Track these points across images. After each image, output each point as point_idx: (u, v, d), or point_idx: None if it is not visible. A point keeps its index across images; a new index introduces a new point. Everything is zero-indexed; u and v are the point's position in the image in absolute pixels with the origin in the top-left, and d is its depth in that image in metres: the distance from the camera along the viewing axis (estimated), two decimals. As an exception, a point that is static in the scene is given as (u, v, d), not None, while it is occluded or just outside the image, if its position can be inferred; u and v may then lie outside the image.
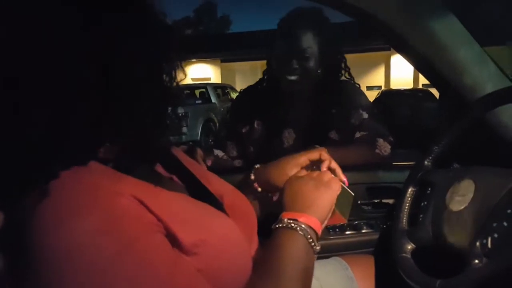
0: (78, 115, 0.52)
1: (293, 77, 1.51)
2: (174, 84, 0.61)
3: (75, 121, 0.52)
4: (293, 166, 0.88)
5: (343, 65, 1.65)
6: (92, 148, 0.55)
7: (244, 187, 0.92)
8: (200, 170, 0.82)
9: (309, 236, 0.70)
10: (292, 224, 0.70)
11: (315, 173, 0.82)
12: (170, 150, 0.78)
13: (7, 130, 0.51)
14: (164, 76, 0.60)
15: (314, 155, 0.89)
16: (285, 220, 0.71)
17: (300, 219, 0.71)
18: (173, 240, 0.54)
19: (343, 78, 1.67)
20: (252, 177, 0.93)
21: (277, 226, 0.72)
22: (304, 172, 0.84)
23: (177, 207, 0.59)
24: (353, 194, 0.89)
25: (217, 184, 0.81)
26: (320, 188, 0.76)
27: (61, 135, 0.51)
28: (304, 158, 0.89)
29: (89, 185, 0.51)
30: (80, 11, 0.51)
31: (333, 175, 0.82)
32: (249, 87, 1.78)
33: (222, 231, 0.64)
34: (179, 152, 0.82)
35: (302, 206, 0.74)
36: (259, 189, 0.92)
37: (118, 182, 0.53)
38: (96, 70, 0.52)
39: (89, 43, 0.52)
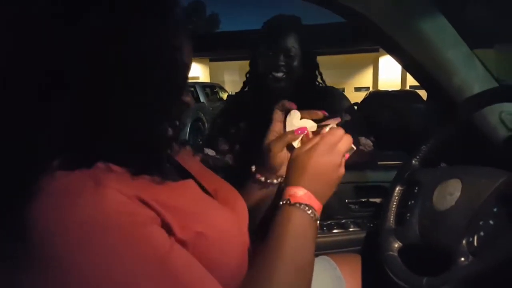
0: (79, 114, 0.51)
1: (279, 74, 1.58)
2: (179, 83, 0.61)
3: (76, 120, 0.51)
4: (272, 137, 0.89)
5: (317, 71, 1.74)
6: (94, 146, 0.53)
7: (250, 182, 0.93)
8: (194, 164, 0.82)
9: (316, 218, 0.69)
10: (307, 209, 0.69)
11: (321, 140, 0.75)
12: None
13: (6, 129, 0.50)
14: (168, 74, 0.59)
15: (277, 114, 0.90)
16: (301, 203, 0.69)
17: (314, 206, 0.69)
18: (168, 231, 0.54)
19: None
20: (253, 169, 0.93)
21: (285, 202, 0.70)
22: (310, 144, 0.76)
23: (178, 200, 0.59)
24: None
25: (211, 179, 0.80)
26: (327, 156, 0.72)
27: (62, 134, 0.51)
28: (276, 124, 0.90)
29: (87, 183, 0.49)
30: (82, 11, 0.51)
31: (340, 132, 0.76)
32: (238, 92, 1.85)
33: (220, 225, 0.63)
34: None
35: (311, 182, 0.71)
36: (262, 179, 0.92)
37: (120, 181, 0.52)
38: (97, 70, 0.51)
39: (89, 42, 0.51)
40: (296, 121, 0.86)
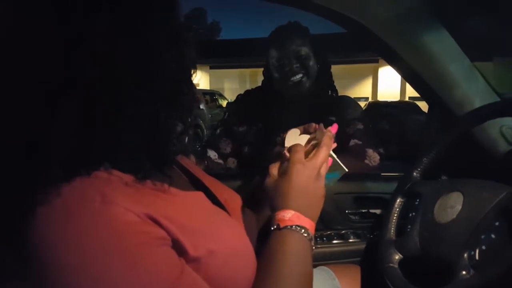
0: (85, 118, 0.50)
1: (297, 77, 1.58)
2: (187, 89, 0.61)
3: (82, 124, 0.50)
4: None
5: (330, 72, 1.74)
6: (100, 155, 0.52)
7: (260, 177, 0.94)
8: (204, 175, 0.82)
9: (310, 237, 0.70)
10: (299, 229, 0.69)
11: (307, 162, 0.75)
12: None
13: (5, 135, 0.49)
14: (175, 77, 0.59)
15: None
16: (291, 225, 0.69)
17: (306, 225, 0.70)
18: (180, 250, 0.53)
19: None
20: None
21: (275, 227, 0.70)
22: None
23: (189, 216, 0.57)
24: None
25: (220, 188, 0.80)
26: (316, 180, 0.74)
27: (67, 140, 0.49)
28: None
29: (95, 200, 0.47)
30: (88, 11, 0.50)
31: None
32: (249, 91, 1.83)
33: (232, 242, 0.62)
34: (183, 159, 0.82)
35: (303, 206, 0.72)
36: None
37: (128, 196, 0.50)
38: (98, 70, 0.50)
39: (91, 43, 0.50)
40: (294, 138, 0.87)
